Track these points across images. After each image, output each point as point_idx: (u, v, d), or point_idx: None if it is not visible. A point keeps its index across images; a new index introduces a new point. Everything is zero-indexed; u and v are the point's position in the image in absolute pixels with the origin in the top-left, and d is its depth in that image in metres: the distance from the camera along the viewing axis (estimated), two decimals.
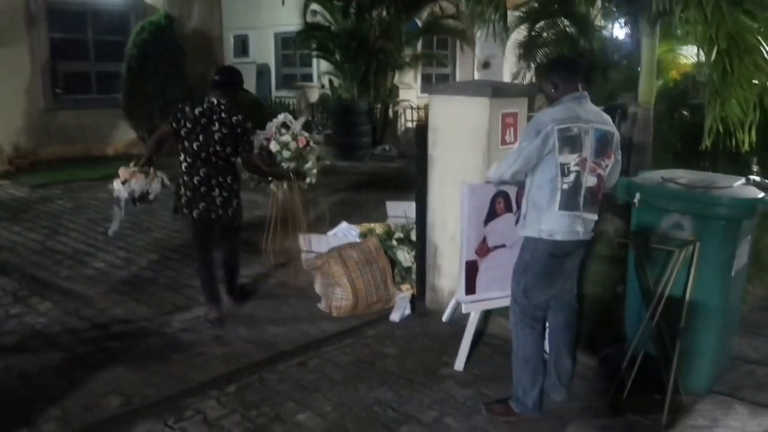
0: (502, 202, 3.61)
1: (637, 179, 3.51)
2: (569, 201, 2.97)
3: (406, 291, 4.53)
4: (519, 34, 9.77)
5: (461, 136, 4.13)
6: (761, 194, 3.19)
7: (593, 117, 3.03)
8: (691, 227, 3.24)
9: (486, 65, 17.87)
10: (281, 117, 5.09)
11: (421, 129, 4.37)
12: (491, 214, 3.64)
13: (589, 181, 3.01)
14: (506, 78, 13.67)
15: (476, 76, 17.21)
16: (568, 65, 3.24)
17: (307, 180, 5.06)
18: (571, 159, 2.94)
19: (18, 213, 7.16)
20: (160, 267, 5.37)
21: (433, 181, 4.33)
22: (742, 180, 3.38)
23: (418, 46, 14.31)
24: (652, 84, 4.74)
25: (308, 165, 5.03)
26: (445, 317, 4.25)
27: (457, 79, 16.51)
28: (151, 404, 3.20)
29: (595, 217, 3.09)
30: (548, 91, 3.16)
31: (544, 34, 9.46)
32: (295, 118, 5.23)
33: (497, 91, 3.99)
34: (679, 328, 3.20)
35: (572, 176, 2.95)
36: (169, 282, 5.01)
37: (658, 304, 3.23)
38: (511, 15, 8.86)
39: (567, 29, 9.50)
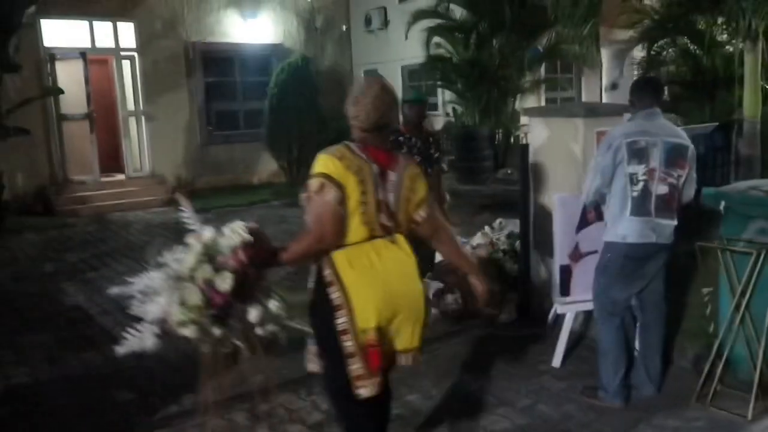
0: (593, 212, 3.94)
1: (724, 188, 3.71)
2: (640, 207, 3.29)
3: (512, 298, 4.90)
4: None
5: (558, 155, 4.50)
6: None
7: (662, 131, 3.33)
8: None
9: (614, 87, 17.56)
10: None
11: (524, 149, 4.77)
12: (583, 223, 3.98)
13: (660, 189, 3.30)
14: None
15: (604, 99, 17.05)
16: (641, 85, 3.56)
17: None
18: (639, 169, 3.27)
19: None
20: None
21: (535, 198, 4.70)
22: None
23: (542, 72, 14.55)
24: (757, 97, 4.82)
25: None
26: (549, 319, 4.59)
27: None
28: (288, 381, 3.81)
29: (671, 222, 3.37)
30: (631, 109, 3.51)
31: (664, 53, 9.46)
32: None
33: (590, 111, 4.34)
34: (766, 329, 3.36)
35: (641, 185, 3.28)
36: None
37: (746, 306, 3.42)
38: (625, 34, 8.99)
39: (689, 46, 9.46)
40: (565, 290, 4.00)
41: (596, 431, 3.27)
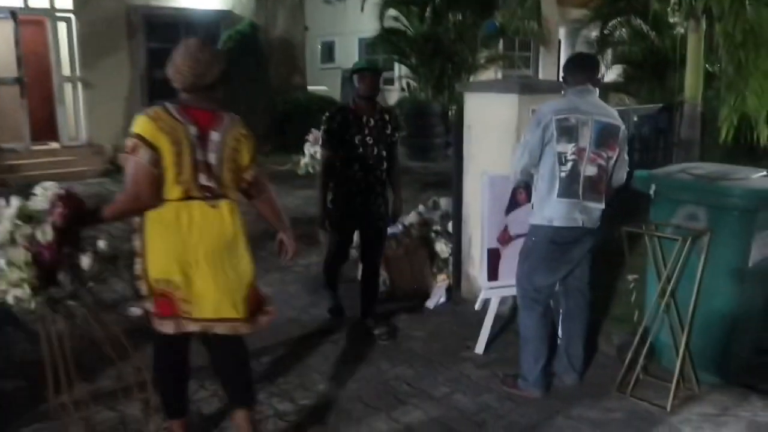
0: (523, 193, 3.77)
1: (655, 171, 3.57)
2: (567, 189, 3.11)
3: (443, 281, 4.73)
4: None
5: (493, 133, 4.30)
6: None
7: (594, 109, 3.15)
8: (705, 218, 3.29)
9: None
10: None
11: (457, 125, 4.57)
12: (513, 204, 3.81)
13: (589, 170, 3.13)
14: None
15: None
16: (575, 62, 3.37)
17: None
18: (568, 148, 3.08)
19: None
20: None
21: (468, 176, 4.51)
22: (763, 172, 3.37)
23: (500, 48, 14.36)
24: (698, 80, 4.69)
25: None
26: (477, 305, 4.42)
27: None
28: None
29: (599, 206, 3.21)
30: (564, 86, 3.31)
31: (617, 32, 9.36)
32: None
33: (526, 87, 4.14)
34: (690, 317, 3.25)
35: (569, 165, 3.09)
36: None
37: (671, 294, 3.29)
38: (580, 12, 8.87)
39: (642, 27, 9.38)
40: (492, 274, 3.83)
41: (512, 423, 3.12)
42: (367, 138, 3.88)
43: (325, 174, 3.97)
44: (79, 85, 10.45)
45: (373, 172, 3.93)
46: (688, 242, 3.13)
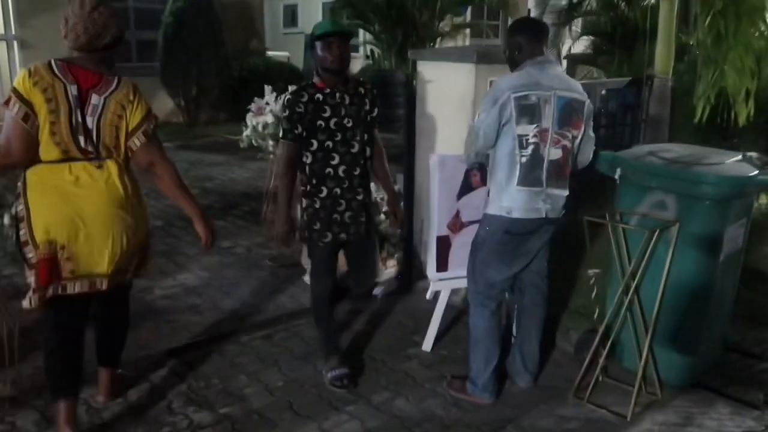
0: (477, 175, 3.40)
1: (621, 153, 3.23)
2: (529, 176, 2.75)
3: (392, 267, 4.37)
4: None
5: (448, 105, 3.92)
6: (754, 172, 2.87)
7: (556, 83, 2.76)
8: (675, 207, 2.96)
9: None
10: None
11: (409, 97, 4.17)
12: (466, 188, 3.45)
13: (553, 153, 2.76)
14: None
15: None
16: (531, 27, 2.96)
17: None
18: (530, 130, 2.71)
19: None
20: (161, 234, 5.39)
21: (420, 152, 4.14)
22: (738, 156, 3.05)
23: (467, 16, 13.89)
24: (669, 52, 4.35)
25: None
26: (428, 295, 4.08)
27: None
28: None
29: (564, 192, 2.85)
30: (512, 55, 2.90)
31: (585, 2, 8.99)
32: None
33: (483, 56, 3.74)
34: (654, 316, 2.95)
35: (530, 149, 2.72)
36: (165, 249, 5.02)
37: (635, 290, 2.98)
38: None
39: None
40: (442, 265, 3.47)
41: None
42: (345, 120, 2.97)
43: (288, 175, 3.01)
44: (15, 45, 9.72)
45: (357, 164, 3.04)
46: (656, 235, 2.81)
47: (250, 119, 5.01)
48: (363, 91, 3.07)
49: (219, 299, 4.12)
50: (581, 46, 11.05)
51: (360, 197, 3.08)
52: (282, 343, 3.55)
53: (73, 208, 2.40)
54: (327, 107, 2.94)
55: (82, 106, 2.40)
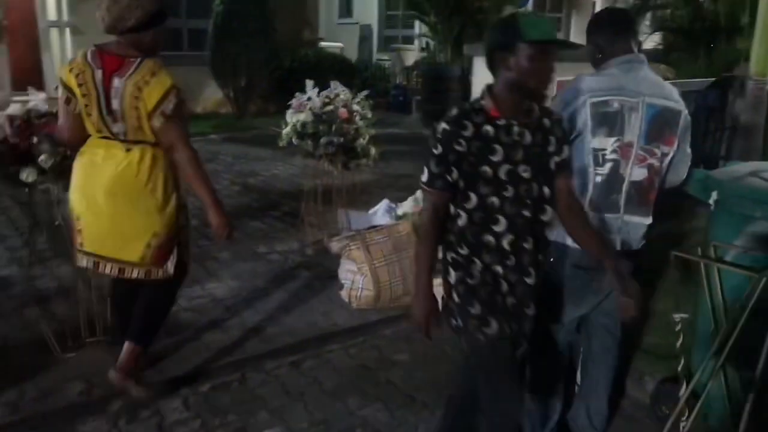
0: None
1: (717, 172, 2.70)
2: (604, 200, 2.26)
3: (439, 285, 3.92)
4: None
5: None
6: None
7: (645, 88, 2.26)
8: None
9: None
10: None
11: (464, 94, 3.70)
12: None
13: (636, 174, 2.27)
14: None
15: None
16: (615, 20, 2.45)
17: (364, 160, 4.73)
18: (609, 144, 2.22)
19: None
20: (194, 235, 5.07)
21: None
22: None
23: (529, 6, 13.24)
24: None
25: (360, 142, 4.63)
26: None
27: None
28: (110, 396, 2.86)
29: (646, 221, 2.36)
30: (594, 59, 2.42)
31: None
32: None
33: None
34: (755, 376, 2.43)
35: (608, 166, 2.24)
36: (197, 252, 4.70)
37: (727, 340, 2.46)
38: None
39: None
40: None
41: None
42: (521, 168, 2.00)
43: (433, 235, 2.07)
44: (67, 31, 9.64)
45: (530, 232, 2.05)
46: (764, 281, 2.28)
47: (290, 116, 4.66)
48: (549, 124, 2.06)
49: (247, 315, 3.76)
50: (650, 42, 10.32)
51: (530, 280, 2.08)
52: (310, 373, 3.16)
53: (91, 184, 2.61)
54: (498, 147, 1.97)
55: (107, 90, 2.50)
